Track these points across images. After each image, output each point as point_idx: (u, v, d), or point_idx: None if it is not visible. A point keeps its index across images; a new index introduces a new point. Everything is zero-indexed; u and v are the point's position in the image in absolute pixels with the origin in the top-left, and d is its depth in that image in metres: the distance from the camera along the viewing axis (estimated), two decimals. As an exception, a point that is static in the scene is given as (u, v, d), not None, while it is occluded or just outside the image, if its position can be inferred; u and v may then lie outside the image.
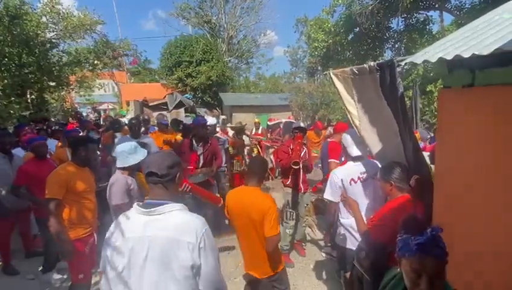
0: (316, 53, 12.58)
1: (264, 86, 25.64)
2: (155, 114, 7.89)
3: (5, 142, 3.72)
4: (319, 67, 13.66)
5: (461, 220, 1.61)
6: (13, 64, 7.79)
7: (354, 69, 2.07)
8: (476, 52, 1.23)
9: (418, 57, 1.49)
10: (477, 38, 1.40)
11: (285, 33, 55.11)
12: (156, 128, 6.02)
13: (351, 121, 2.32)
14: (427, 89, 9.48)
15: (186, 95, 16.72)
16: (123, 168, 2.68)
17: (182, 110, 13.90)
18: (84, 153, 2.74)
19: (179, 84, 17.87)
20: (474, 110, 1.53)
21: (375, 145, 2.28)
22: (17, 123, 6.77)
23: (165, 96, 14.94)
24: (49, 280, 3.48)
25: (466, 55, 1.25)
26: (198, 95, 18.06)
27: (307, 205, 3.90)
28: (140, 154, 2.70)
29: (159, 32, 66.28)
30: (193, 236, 1.27)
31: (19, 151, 4.01)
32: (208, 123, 5.26)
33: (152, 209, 1.32)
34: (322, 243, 4.39)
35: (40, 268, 3.64)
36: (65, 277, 3.57)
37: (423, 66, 9.35)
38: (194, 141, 4.27)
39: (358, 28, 11.38)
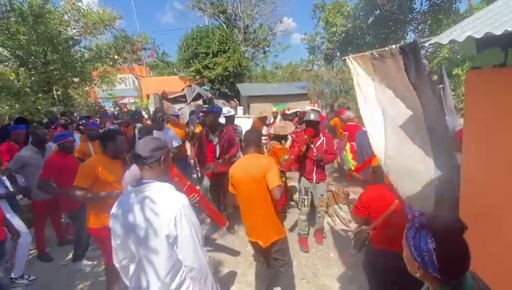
0: (335, 38, 12.18)
1: (281, 75, 25.27)
2: (176, 106, 8.04)
3: (38, 136, 3.92)
4: (338, 54, 13.25)
5: (491, 215, 1.53)
6: (39, 62, 8.12)
7: (375, 53, 1.98)
8: (509, 29, 1.14)
9: (444, 37, 1.40)
10: (509, 13, 1.29)
11: (302, 20, 53.64)
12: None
13: (360, 106, 2.21)
14: (453, 72, 8.99)
15: (204, 87, 16.82)
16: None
17: (200, 102, 14.02)
18: (113, 147, 2.87)
19: (197, 76, 17.98)
20: (506, 91, 1.42)
21: (392, 131, 2.15)
22: (45, 118, 7.10)
23: (183, 89, 15.11)
24: (79, 267, 3.68)
25: (498, 32, 1.16)
26: (215, 86, 18.11)
27: (322, 195, 3.83)
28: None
29: (176, 25, 66.62)
30: (171, 209, 1.46)
31: (49, 146, 4.20)
32: (226, 114, 5.29)
33: (139, 187, 1.54)
34: (342, 233, 4.35)
35: (70, 257, 3.86)
36: (95, 262, 3.77)
37: (449, 48, 8.85)
38: (209, 131, 4.32)
39: (379, 11, 10.88)
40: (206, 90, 16.34)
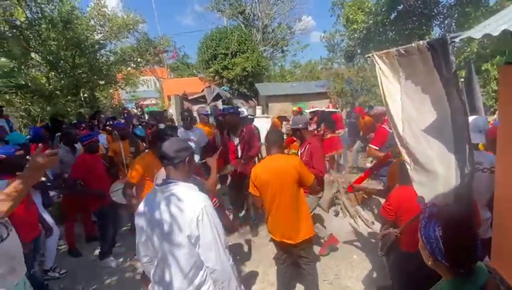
0: (355, 36, 11.93)
1: (299, 74, 25.05)
2: (195, 107, 8.17)
3: (70, 136, 4.13)
4: (358, 51, 12.97)
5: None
6: (68, 66, 8.50)
7: (401, 50, 1.92)
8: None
9: (477, 32, 1.34)
10: (550, 4, 1.22)
11: (322, 18, 53.04)
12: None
13: (385, 106, 2.15)
14: (482, 68, 8.56)
15: (223, 87, 16.98)
16: None
17: (219, 102, 14.17)
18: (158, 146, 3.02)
19: (216, 77, 18.17)
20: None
21: (414, 131, 2.07)
22: (74, 119, 7.43)
23: (203, 90, 15.33)
24: (107, 263, 3.82)
25: (537, 24, 1.10)
26: (234, 86, 18.22)
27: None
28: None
29: (196, 27, 67.70)
30: (192, 210, 1.48)
31: (78, 145, 4.39)
32: (243, 115, 5.33)
33: (164, 186, 1.58)
34: (365, 234, 4.26)
35: (97, 253, 4.02)
36: (121, 259, 3.91)
37: (478, 43, 8.44)
38: (230, 132, 4.35)
39: (402, 6, 10.56)
40: (225, 90, 16.49)
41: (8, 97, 7.82)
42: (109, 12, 9.80)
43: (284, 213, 2.51)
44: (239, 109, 5.83)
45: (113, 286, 3.45)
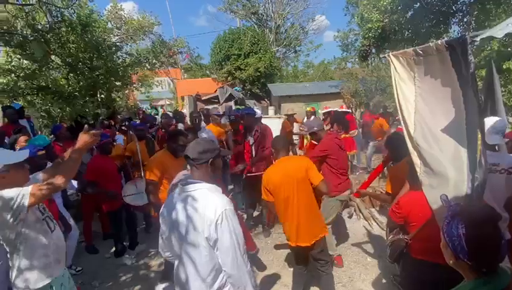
0: (370, 35, 11.71)
1: (313, 74, 24.87)
2: (210, 107, 8.24)
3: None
4: (373, 50, 12.75)
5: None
6: (86, 68, 8.74)
7: (418, 50, 1.88)
8: None
9: (499, 30, 1.30)
10: None
11: (336, 17, 52.44)
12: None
13: (398, 108, 2.10)
14: (504, 67, 8.25)
15: (236, 88, 17.06)
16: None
17: (232, 103, 14.25)
18: (174, 145, 3.13)
19: (228, 78, 18.27)
20: None
21: (425, 133, 2.01)
22: (92, 120, 7.63)
23: (215, 90, 15.44)
24: (122, 261, 3.92)
25: None
26: (247, 87, 18.28)
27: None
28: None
29: (209, 28, 68.32)
30: (212, 212, 1.46)
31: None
32: (258, 115, 5.34)
33: (186, 186, 1.58)
34: (379, 236, 4.19)
35: (113, 250, 4.12)
36: (135, 257, 3.99)
37: (499, 40, 8.14)
38: (246, 132, 4.39)
39: (418, 4, 10.30)
40: (238, 91, 16.56)
41: (29, 98, 8.12)
42: (125, 15, 10.02)
43: (298, 213, 2.51)
44: (254, 109, 5.88)
45: (128, 283, 3.52)
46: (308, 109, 8.87)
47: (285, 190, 2.48)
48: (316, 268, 2.73)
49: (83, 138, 1.85)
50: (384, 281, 3.27)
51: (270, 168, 2.69)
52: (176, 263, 1.65)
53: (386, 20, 10.87)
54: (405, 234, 2.11)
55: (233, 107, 10.84)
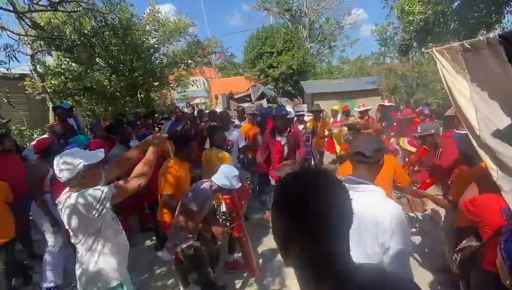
0: (411, 28, 11.04)
1: (348, 70, 24.10)
2: (245, 106, 8.30)
3: (124, 135, 4.46)
4: (414, 44, 12.01)
5: None
6: (126, 69, 9.24)
7: (466, 44, 1.71)
8: None
9: None
10: None
11: (373, 10, 50.20)
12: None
13: (454, 106, 1.91)
14: None
15: (268, 86, 17.05)
16: (217, 185, 2.71)
17: (264, 101, 14.27)
18: (186, 151, 3.10)
19: (261, 76, 18.32)
20: None
21: (495, 134, 1.82)
22: (132, 118, 8.07)
23: (248, 89, 15.56)
24: (159, 255, 4.07)
25: None
26: (279, 85, 18.20)
27: None
28: (235, 185, 2.70)
29: (243, 27, 68.96)
30: (388, 219, 1.35)
31: (134, 143, 4.74)
32: (291, 115, 5.25)
33: (356, 185, 1.44)
34: (418, 244, 3.94)
35: (150, 243, 4.29)
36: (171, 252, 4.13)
37: None
38: (276, 132, 4.31)
39: (467, -8, 9.49)
40: (270, 89, 16.54)
41: (77, 98, 8.78)
42: (162, 17, 10.42)
43: None
44: (287, 109, 5.77)
45: (164, 276, 3.66)
46: (335, 107, 8.17)
47: None
48: None
49: (158, 140, 2.09)
50: (428, 279, 3.07)
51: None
52: None
53: (430, 11, 10.15)
54: (478, 241, 1.90)
55: (265, 105, 10.85)
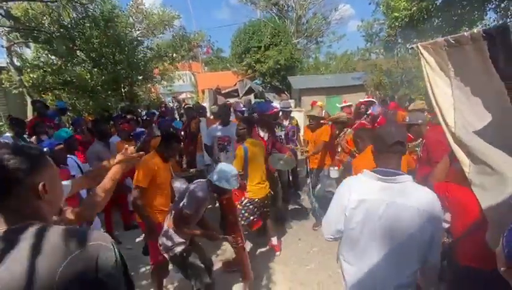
0: (396, 24, 11.17)
1: (334, 66, 24.22)
2: (232, 101, 8.16)
3: (103, 131, 4.31)
4: (399, 40, 12.16)
5: None
6: (109, 63, 8.96)
7: (451, 39, 1.71)
8: None
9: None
10: None
11: (360, 6, 50.54)
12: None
13: (434, 102, 1.92)
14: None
15: (256, 81, 16.95)
16: (213, 185, 2.59)
17: (251, 96, 14.17)
18: (167, 150, 2.93)
19: (248, 71, 18.18)
20: None
21: (471, 130, 1.83)
22: (115, 114, 7.85)
23: (235, 84, 15.41)
24: (143, 253, 3.97)
25: None
26: (267, 80, 18.12)
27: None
28: (233, 185, 2.59)
29: (230, 21, 68.26)
30: (431, 208, 1.40)
31: (115, 139, 4.59)
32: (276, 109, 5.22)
33: (390, 177, 1.44)
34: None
35: (135, 241, 4.20)
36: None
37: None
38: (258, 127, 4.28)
39: (450, -11, 9.67)
40: (258, 84, 16.45)
41: (56, 92, 8.46)
42: (146, 9, 10.14)
43: None
44: (272, 104, 5.73)
45: (147, 275, 3.58)
46: (319, 103, 7.82)
47: None
48: None
49: (117, 170, 1.54)
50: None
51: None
52: (356, 261, 1.51)
53: (414, 8, 10.30)
54: (449, 238, 1.92)
55: (253, 101, 10.76)
